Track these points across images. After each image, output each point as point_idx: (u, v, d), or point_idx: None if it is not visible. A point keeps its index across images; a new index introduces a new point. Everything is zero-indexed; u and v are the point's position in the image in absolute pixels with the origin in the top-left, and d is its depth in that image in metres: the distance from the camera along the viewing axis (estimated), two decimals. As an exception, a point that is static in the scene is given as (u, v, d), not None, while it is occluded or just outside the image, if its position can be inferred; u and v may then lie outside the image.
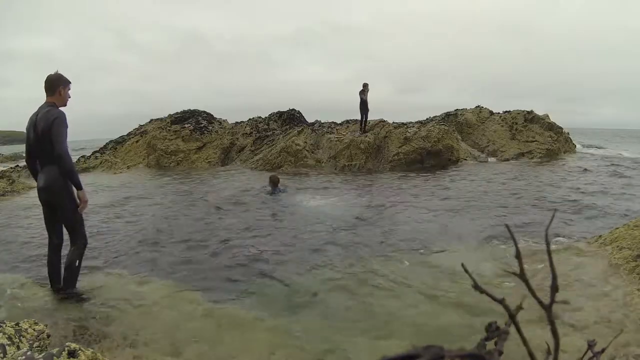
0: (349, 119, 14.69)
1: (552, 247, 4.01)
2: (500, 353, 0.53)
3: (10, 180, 9.52)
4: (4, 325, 2.03)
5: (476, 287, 0.43)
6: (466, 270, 0.43)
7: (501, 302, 0.57)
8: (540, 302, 0.44)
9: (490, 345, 0.62)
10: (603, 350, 0.75)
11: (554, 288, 0.42)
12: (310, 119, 15.54)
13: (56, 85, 2.95)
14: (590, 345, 0.74)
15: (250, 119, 15.73)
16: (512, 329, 0.60)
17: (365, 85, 12.29)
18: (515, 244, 0.41)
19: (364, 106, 12.29)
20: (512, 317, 0.60)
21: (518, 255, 0.41)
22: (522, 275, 0.42)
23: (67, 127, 2.88)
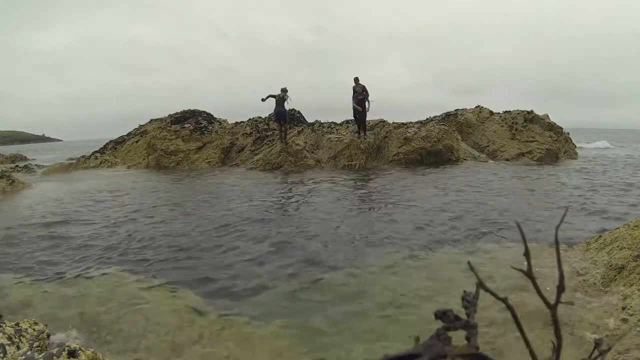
0: (348, 119, 14.67)
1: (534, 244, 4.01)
2: (477, 349, 0.52)
3: (10, 180, 9.52)
4: (4, 325, 2.03)
5: (481, 285, 0.43)
6: (472, 268, 0.42)
7: (504, 300, 0.57)
8: (545, 301, 0.44)
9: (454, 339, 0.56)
10: (609, 349, 0.75)
11: (560, 288, 0.41)
12: (310, 119, 15.53)
13: None
14: (597, 343, 0.73)
15: (250, 119, 15.70)
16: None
17: (356, 80, 11.42)
18: (525, 243, 0.41)
19: (361, 104, 11.43)
20: (515, 316, 0.60)
21: (527, 254, 0.41)
22: (529, 273, 0.42)
23: None
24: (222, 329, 2.72)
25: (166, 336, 2.62)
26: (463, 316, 0.51)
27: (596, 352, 0.55)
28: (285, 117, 11.97)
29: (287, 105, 11.99)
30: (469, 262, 0.47)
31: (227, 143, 14.07)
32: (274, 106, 11.91)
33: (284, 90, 11.77)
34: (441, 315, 0.48)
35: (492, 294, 0.46)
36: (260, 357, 2.39)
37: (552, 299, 0.47)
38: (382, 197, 7.09)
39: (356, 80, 11.67)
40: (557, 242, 0.42)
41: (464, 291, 0.56)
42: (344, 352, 2.38)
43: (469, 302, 0.56)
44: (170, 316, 2.91)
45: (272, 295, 3.24)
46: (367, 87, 11.66)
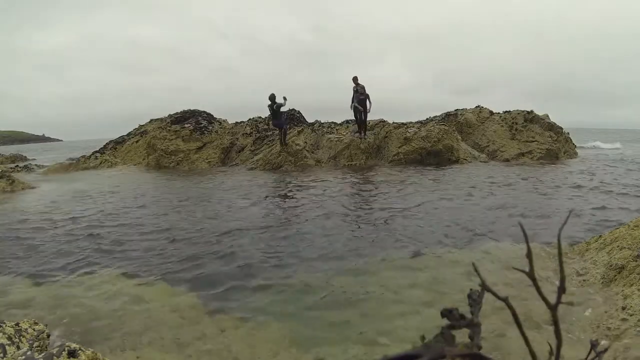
0: (349, 119, 14.67)
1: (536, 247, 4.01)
2: (479, 348, 0.52)
3: (10, 180, 9.52)
4: (4, 325, 2.03)
5: (484, 285, 0.43)
6: (476, 270, 0.42)
7: (505, 300, 0.57)
8: (546, 302, 0.44)
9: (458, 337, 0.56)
10: (606, 350, 0.75)
11: (561, 289, 0.41)
12: (310, 119, 15.53)
13: None
14: (593, 344, 0.73)
15: (250, 119, 15.71)
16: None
17: (355, 79, 11.42)
18: (527, 244, 0.41)
19: (362, 104, 11.56)
20: (515, 315, 0.60)
21: (529, 255, 0.41)
22: (530, 274, 0.42)
23: None
24: (224, 328, 2.72)
25: (167, 335, 2.63)
26: (468, 315, 0.51)
27: (593, 354, 0.55)
28: (282, 126, 11.96)
29: (285, 107, 11.83)
30: (473, 264, 0.47)
31: (227, 143, 14.07)
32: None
33: (272, 98, 11.56)
34: (447, 313, 0.48)
35: (494, 293, 0.47)
36: (261, 355, 2.40)
37: (552, 299, 0.47)
38: (381, 198, 7.09)
39: (355, 79, 11.60)
40: (559, 245, 0.42)
41: (470, 289, 0.56)
42: (344, 352, 2.39)
43: (474, 300, 0.56)
44: (171, 315, 2.92)
45: (274, 295, 3.25)
46: (366, 87, 11.65)
